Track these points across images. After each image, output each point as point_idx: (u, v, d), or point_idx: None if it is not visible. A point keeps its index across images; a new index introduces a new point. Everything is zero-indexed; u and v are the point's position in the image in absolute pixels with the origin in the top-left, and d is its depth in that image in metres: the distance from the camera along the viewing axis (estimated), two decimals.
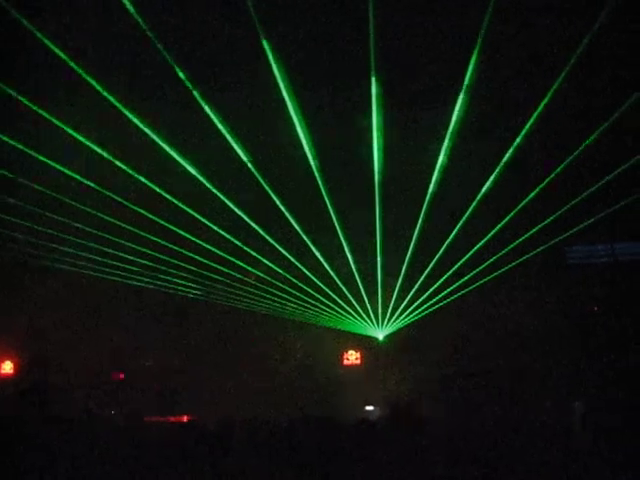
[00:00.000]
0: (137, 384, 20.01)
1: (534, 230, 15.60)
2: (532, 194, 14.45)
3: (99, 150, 12.86)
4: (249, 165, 13.69)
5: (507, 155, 13.66)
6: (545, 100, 11.89)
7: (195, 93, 11.69)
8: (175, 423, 18.12)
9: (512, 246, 16.10)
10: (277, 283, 18.00)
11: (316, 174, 14.17)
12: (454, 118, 12.55)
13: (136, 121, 12.26)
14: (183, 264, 17.33)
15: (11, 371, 21.30)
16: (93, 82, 11.21)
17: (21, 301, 19.04)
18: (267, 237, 16.18)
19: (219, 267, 17.44)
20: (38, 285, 18.68)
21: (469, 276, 17.20)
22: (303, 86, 12.07)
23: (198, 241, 16.10)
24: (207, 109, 12.15)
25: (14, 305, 19.01)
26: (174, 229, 15.55)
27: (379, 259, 17.23)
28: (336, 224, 15.81)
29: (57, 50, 10.60)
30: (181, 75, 11.33)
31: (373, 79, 11.88)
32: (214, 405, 17.48)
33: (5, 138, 12.19)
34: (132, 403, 18.58)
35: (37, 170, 13.01)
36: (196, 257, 16.82)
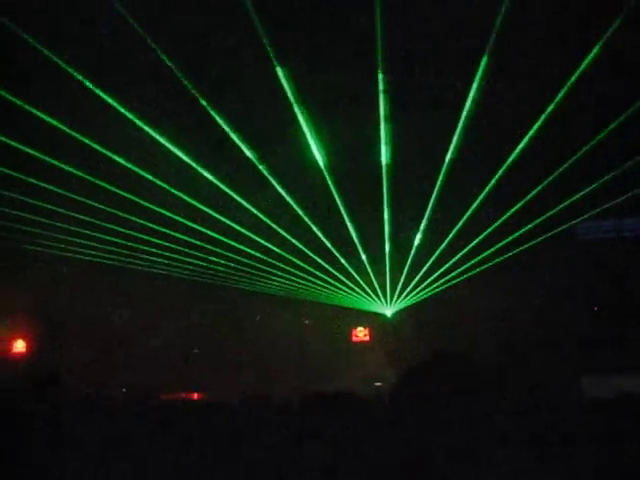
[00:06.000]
0: (146, 362, 20.20)
1: (549, 213, 15.55)
2: (550, 177, 14.34)
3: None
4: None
5: (525, 139, 13.49)
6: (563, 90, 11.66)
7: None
8: (191, 400, 18.49)
9: (525, 229, 16.07)
10: (286, 267, 18.06)
11: (321, 163, 14.04)
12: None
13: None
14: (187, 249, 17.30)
15: (23, 349, 21.40)
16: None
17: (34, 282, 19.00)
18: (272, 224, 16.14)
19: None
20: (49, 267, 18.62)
21: (479, 258, 17.20)
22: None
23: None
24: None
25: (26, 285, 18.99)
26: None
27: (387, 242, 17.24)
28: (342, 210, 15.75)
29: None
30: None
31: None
32: (224, 383, 17.78)
33: None
34: (142, 381, 18.85)
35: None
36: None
